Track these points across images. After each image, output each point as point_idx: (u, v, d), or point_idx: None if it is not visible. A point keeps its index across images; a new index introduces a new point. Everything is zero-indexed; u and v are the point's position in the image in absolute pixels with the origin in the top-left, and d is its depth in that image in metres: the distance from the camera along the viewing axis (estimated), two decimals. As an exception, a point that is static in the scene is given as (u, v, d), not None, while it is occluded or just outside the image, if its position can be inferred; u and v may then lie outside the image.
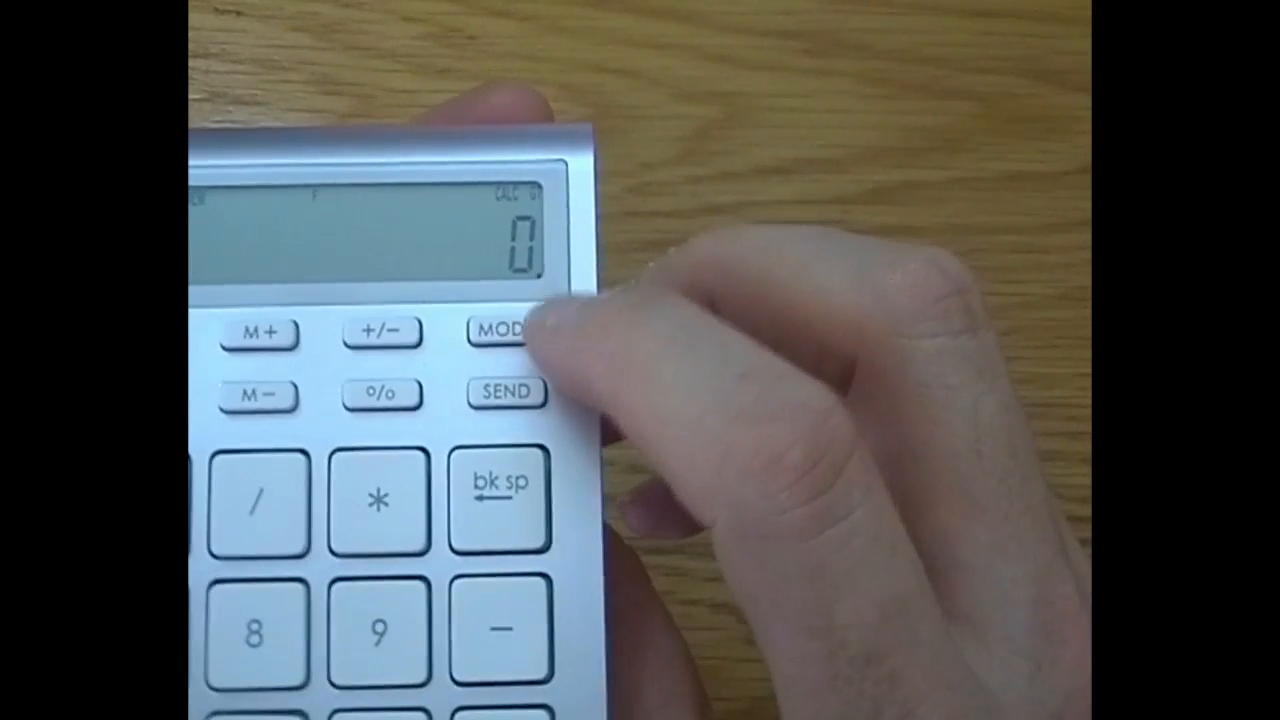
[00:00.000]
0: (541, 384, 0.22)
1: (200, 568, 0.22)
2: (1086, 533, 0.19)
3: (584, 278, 0.23)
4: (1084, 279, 0.38)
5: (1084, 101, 0.39)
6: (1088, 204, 0.38)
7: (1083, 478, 0.36)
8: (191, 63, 0.38)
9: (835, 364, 0.22)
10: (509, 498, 0.22)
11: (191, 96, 0.38)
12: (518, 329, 0.23)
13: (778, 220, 0.38)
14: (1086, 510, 0.35)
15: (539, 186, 0.23)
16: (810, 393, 0.18)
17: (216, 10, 0.39)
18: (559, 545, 0.22)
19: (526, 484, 0.22)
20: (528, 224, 0.23)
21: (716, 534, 0.18)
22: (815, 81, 0.39)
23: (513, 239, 0.23)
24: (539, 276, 0.23)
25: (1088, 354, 0.36)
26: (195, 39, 0.38)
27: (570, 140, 0.24)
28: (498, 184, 0.23)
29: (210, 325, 0.23)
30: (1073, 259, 0.38)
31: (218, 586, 0.22)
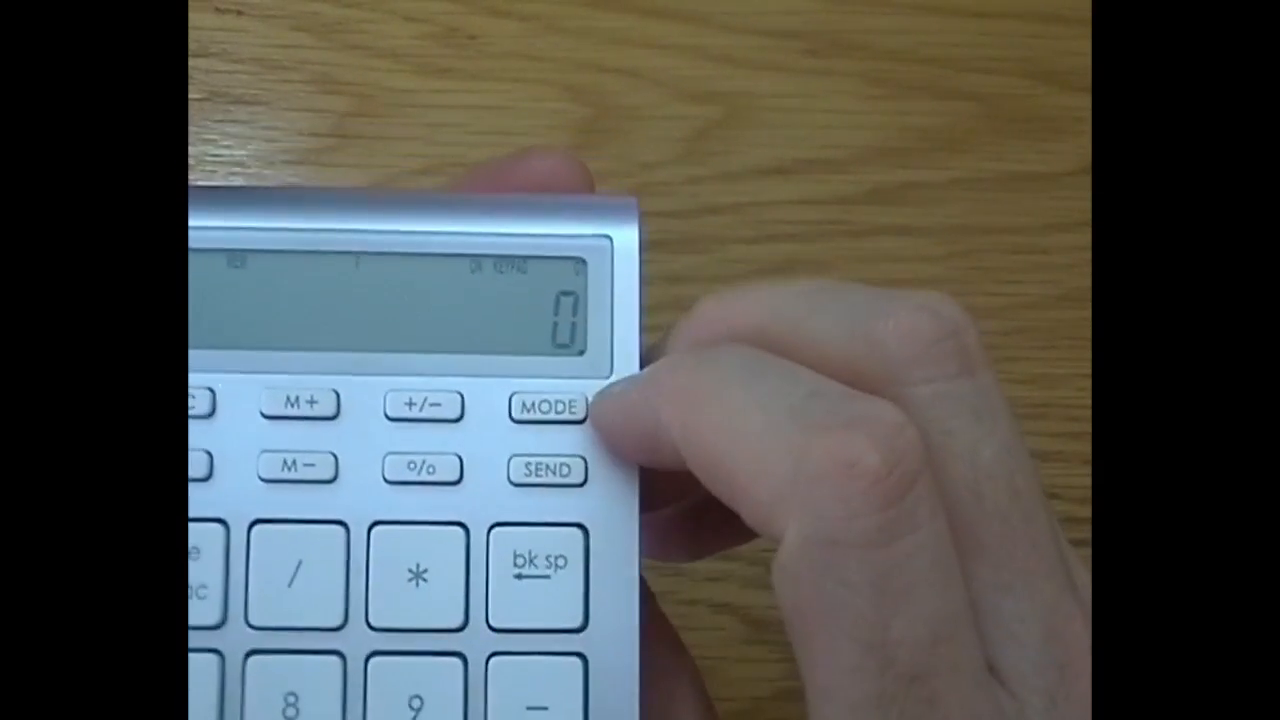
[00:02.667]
0: (582, 463, 0.22)
1: (237, 638, 0.22)
2: (1086, 533, 0.19)
3: (627, 356, 0.23)
4: (1084, 279, 0.38)
5: (1084, 102, 0.39)
6: (1088, 204, 0.38)
7: (1083, 478, 0.36)
8: (191, 62, 0.38)
9: None
10: (547, 576, 0.22)
11: (191, 96, 0.38)
12: (560, 407, 0.23)
13: (777, 221, 0.38)
14: (1086, 510, 0.36)
15: (583, 262, 0.23)
16: (883, 408, 0.19)
17: (216, 10, 0.39)
18: (596, 625, 0.22)
19: (565, 563, 0.22)
20: (571, 299, 0.23)
21: (784, 543, 0.18)
22: (816, 81, 0.39)
23: (555, 314, 0.23)
24: (581, 354, 0.23)
25: (1088, 354, 0.36)
26: (195, 38, 0.38)
27: (615, 214, 0.23)
28: (541, 258, 0.23)
29: (251, 392, 0.22)
30: (1073, 259, 0.38)
31: (255, 657, 0.22)
